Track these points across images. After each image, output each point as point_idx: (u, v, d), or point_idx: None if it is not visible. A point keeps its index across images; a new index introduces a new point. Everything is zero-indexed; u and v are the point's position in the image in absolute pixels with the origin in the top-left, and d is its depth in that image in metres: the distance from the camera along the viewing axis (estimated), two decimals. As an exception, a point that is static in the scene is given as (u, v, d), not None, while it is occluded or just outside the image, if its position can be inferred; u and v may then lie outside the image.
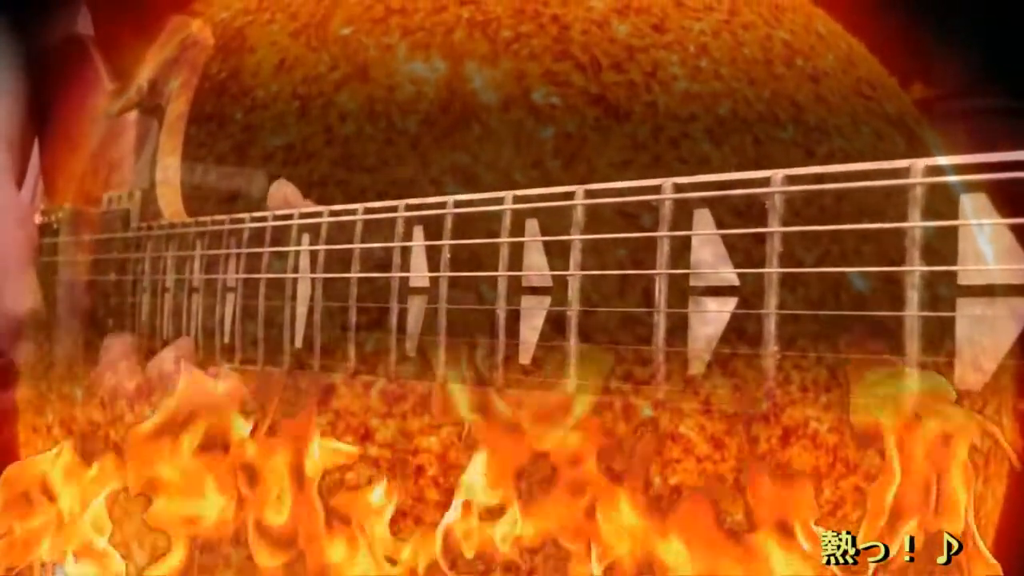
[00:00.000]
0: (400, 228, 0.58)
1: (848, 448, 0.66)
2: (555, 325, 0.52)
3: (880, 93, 0.77)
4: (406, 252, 0.58)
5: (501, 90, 0.70)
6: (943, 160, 0.40)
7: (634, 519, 0.56)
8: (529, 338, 0.52)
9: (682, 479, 0.65)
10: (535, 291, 0.52)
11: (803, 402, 0.60)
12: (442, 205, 0.57)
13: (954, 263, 0.39)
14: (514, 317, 0.53)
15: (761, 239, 0.44)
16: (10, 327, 0.80)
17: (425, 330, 0.57)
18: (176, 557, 0.67)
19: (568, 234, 0.51)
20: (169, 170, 0.77)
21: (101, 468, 0.71)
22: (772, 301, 0.44)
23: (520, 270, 0.52)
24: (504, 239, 0.53)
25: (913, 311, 0.40)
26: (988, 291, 0.39)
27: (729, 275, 0.45)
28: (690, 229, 0.47)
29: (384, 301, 0.59)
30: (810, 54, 0.75)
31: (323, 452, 0.65)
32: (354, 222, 0.62)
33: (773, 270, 0.44)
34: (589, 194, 0.50)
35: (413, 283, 0.57)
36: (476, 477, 0.58)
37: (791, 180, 0.44)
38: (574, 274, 0.50)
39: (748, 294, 0.45)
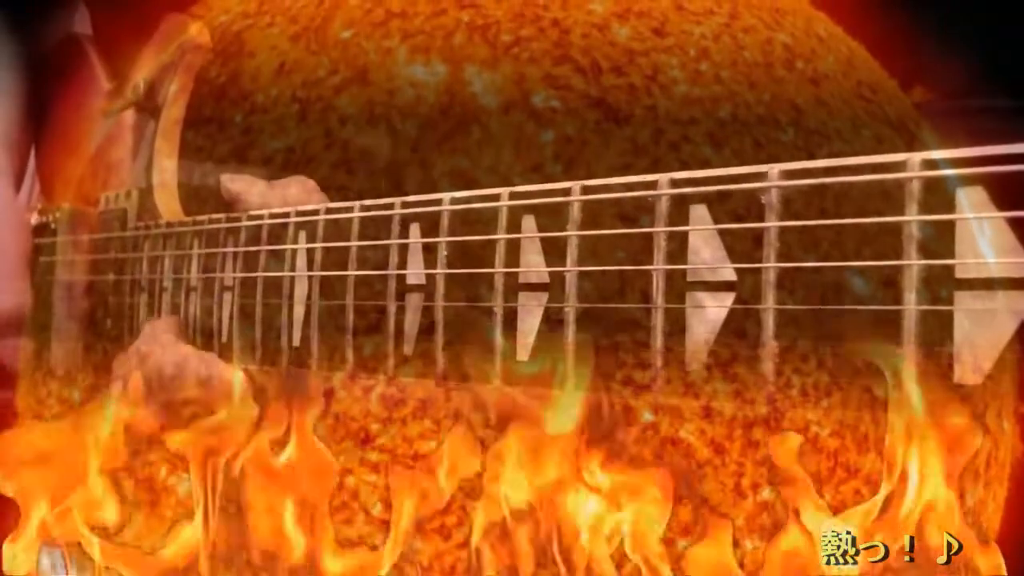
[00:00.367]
0: (396, 226, 0.58)
1: (849, 452, 0.66)
2: (553, 324, 0.51)
3: (881, 96, 0.77)
4: (403, 249, 0.58)
5: (501, 94, 0.70)
6: (940, 154, 0.40)
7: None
8: (527, 335, 0.52)
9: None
10: (532, 288, 0.51)
11: (803, 405, 0.60)
12: (438, 202, 0.57)
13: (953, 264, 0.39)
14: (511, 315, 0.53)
15: (760, 243, 0.44)
16: (4, 327, 0.81)
17: (421, 328, 0.57)
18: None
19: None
20: (166, 173, 0.77)
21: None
22: (770, 298, 0.44)
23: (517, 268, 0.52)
24: (501, 235, 0.53)
25: (911, 307, 0.40)
26: (987, 285, 0.38)
27: (727, 271, 0.45)
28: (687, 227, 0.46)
29: (381, 299, 0.59)
30: (810, 57, 0.75)
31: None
32: (350, 220, 0.61)
33: (770, 265, 0.43)
34: (586, 190, 0.50)
35: (410, 280, 0.57)
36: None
37: (787, 175, 0.44)
38: (570, 270, 0.50)
39: (747, 297, 0.45)
